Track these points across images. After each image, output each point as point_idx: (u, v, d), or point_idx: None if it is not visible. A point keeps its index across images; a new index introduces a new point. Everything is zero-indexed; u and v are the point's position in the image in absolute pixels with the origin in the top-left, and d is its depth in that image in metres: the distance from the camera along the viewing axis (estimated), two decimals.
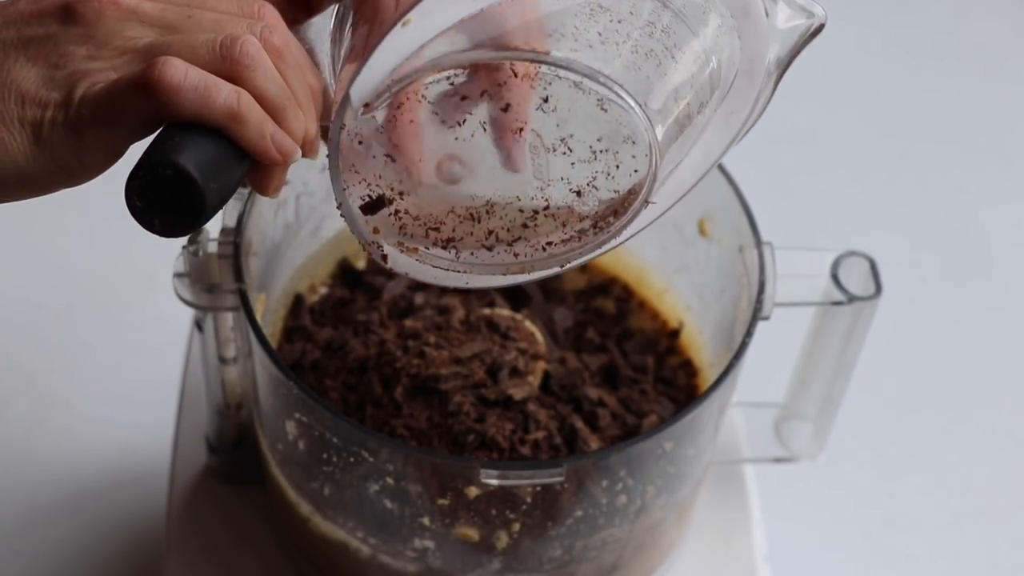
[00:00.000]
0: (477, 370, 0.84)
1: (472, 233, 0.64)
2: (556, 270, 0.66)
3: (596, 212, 0.64)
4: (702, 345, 0.91)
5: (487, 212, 0.64)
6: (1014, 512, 1.13)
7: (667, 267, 0.93)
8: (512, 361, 0.84)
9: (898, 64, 1.46)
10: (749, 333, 0.79)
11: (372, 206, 0.63)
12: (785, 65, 0.66)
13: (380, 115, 0.61)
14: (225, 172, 0.60)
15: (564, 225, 0.64)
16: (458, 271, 0.66)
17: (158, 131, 0.60)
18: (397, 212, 0.63)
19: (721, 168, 0.83)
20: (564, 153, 0.62)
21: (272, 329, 0.90)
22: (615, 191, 0.63)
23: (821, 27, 0.66)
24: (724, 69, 0.65)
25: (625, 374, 0.89)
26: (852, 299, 0.82)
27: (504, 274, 0.66)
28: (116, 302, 1.20)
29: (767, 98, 0.67)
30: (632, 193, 0.63)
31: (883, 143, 1.39)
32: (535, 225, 0.64)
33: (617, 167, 0.62)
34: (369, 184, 0.63)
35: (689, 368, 0.92)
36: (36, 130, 0.59)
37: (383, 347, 0.86)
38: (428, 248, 0.65)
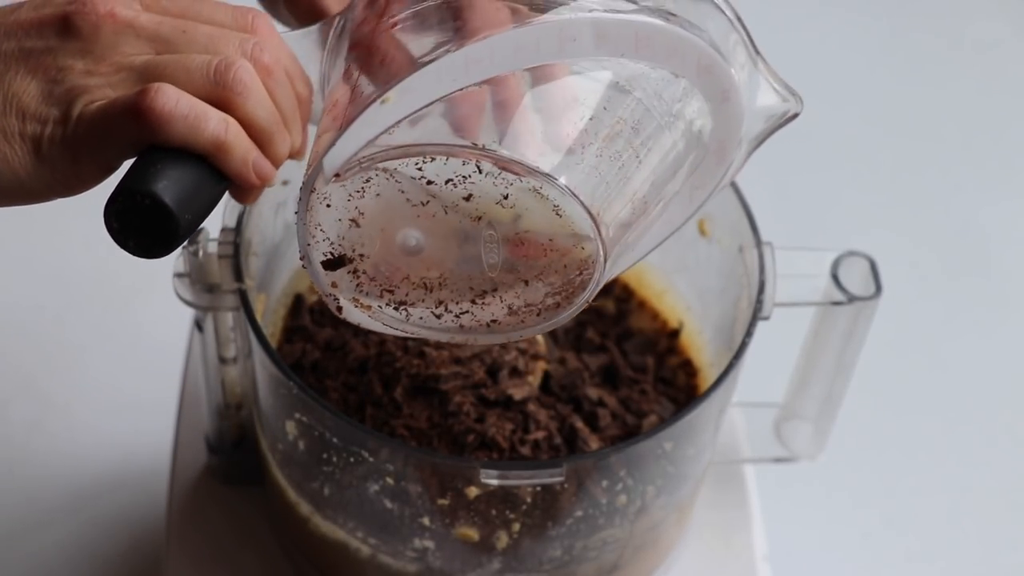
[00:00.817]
0: (477, 370, 0.84)
1: (424, 300, 0.67)
2: (500, 341, 0.69)
3: (541, 301, 0.66)
4: (702, 345, 0.91)
5: (439, 284, 0.66)
6: (1014, 512, 1.13)
7: (667, 267, 0.93)
8: (512, 361, 0.84)
9: (898, 64, 1.46)
10: (749, 333, 0.79)
11: (333, 263, 0.66)
12: (757, 144, 0.68)
13: (350, 185, 0.63)
14: (202, 198, 0.62)
15: (510, 308, 0.67)
16: (406, 332, 0.69)
17: (142, 152, 0.61)
18: (356, 271, 0.66)
19: None
20: (517, 246, 0.64)
21: (272, 329, 0.90)
22: (561, 286, 0.65)
23: (796, 115, 0.68)
24: (694, 154, 0.67)
25: (625, 374, 0.89)
26: (852, 299, 0.82)
27: (449, 341, 0.69)
28: (116, 302, 1.20)
29: (735, 172, 0.69)
30: (578, 288, 0.65)
31: (883, 143, 1.39)
32: (483, 303, 0.67)
33: (564, 266, 0.64)
34: (332, 243, 0.65)
35: (689, 368, 0.92)
36: (36, 146, 0.61)
37: (383, 347, 0.86)
38: (381, 307, 0.68)
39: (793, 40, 1.43)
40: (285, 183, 0.85)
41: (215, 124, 0.61)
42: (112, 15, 0.62)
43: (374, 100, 0.61)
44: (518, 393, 0.83)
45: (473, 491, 0.76)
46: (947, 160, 1.38)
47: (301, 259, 0.66)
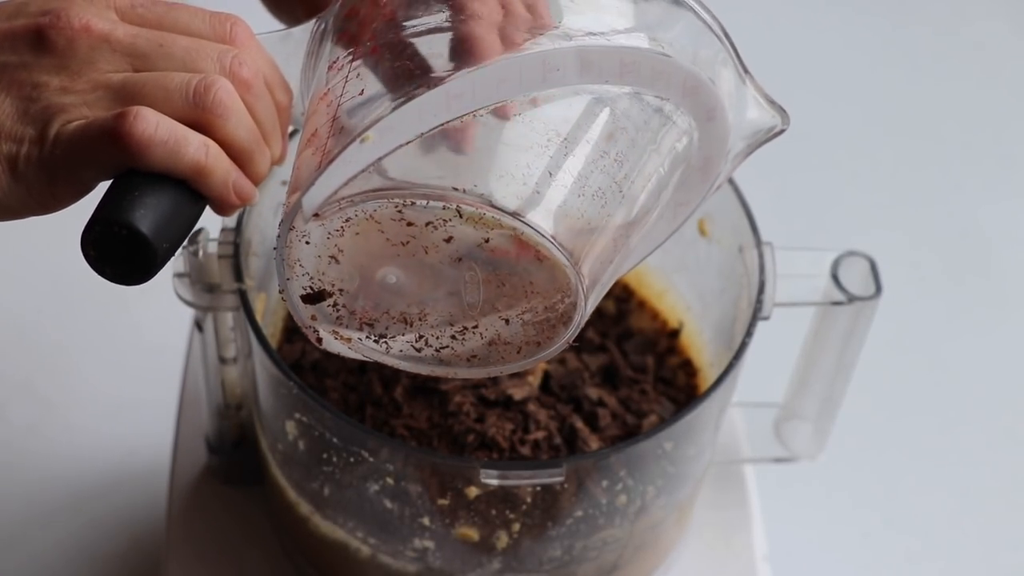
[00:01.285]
0: None
1: (404, 334, 0.67)
2: (481, 376, 0.69)
3: (521, 339, 0.66)
4: (702, 345, 0.91)
5: (420, 319, 0.66)
6: (1014, 512, 1.14)
7: (667, 267, 0.93)
8: None
9: (898, 64, 1.46)
10: (749, 333, 0.79)
11: (313, 297, 0.66)
12: (741, 159, 0.68)
13: (329, 224, 0.62)
14: (180, 223, 0.61)
15: (490, 344, 0.66)
16: (386, 363, 0.68)
17: (120, 174, 0.60)
18: (335, 305, 0.66)
19: None
20: (498, 286, 0.64)
21: (272, 329, 0.90)
22: (541, 326, 0.65)
23: (782, 131, 0.68)
24: (679, 172, 0.67)
25: (625, 374, 0.89)
26: (852, 299, 0.82)
27: (429, 374, 0.69)
28: (116, 302, 1.20)
29: (719, 185, 0.69)
30: (559, 325, 0.65)
31: (883, 143, 1.39)
32: (463, 339, 0.66)
33: (544, 308, 0.64)
34: (312, 278, 0.65)
35: (689, 368, 0.92)
36: (12, 165, 0.60)
37: None
38: (361, 340, 0.67)
39: (793, 40, 1.43)
40: (284, 183, 0.85)
41: (195, 149, 0.60)
42: (87, 29, 0.61)
43: (354, 139, 0.60)
44: (518, 393, 0.83)
45: (473, 491, 0.76)
46: (947, 159, 1.38)
47: (280, 292, 0.66)
